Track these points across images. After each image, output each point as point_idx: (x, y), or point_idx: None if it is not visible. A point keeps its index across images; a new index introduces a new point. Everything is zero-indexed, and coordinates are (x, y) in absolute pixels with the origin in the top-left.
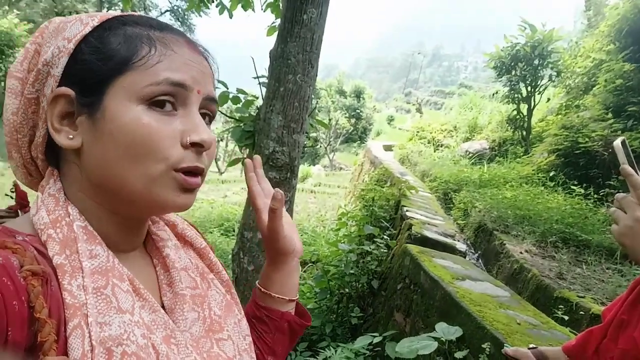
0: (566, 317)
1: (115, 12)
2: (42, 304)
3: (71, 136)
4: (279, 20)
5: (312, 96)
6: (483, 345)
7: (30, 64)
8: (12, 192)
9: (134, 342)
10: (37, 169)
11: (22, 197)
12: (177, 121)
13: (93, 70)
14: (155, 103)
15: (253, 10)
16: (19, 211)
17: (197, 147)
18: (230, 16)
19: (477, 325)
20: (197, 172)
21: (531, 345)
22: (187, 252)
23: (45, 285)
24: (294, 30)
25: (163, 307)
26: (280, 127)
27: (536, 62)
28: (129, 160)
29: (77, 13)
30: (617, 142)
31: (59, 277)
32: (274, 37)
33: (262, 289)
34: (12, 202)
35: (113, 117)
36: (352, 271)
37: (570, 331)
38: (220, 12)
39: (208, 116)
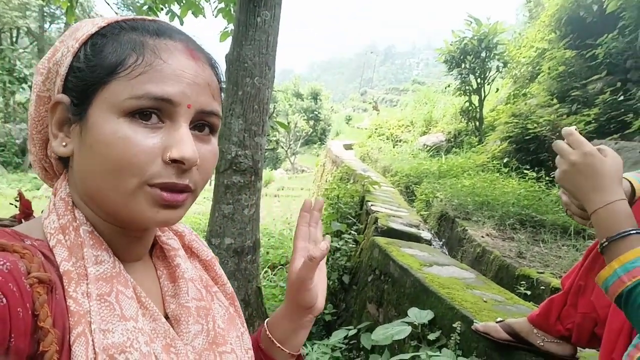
0: (529, 292)
1: (125, 16)
2: (47, 313)
3: (64, 143)
4: (231, 26)
5: (271, 99)
6: (454, 325)
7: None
8: (17, 200)
9: (137, 350)
10: (52, 167)
11: (27, 206)
12: (160, 135)
13: (83, 78)
14: (139, 115)
15: (204, 16)
16: (22, 220)
17: (178, 164)
18: (182, 23)
19: (447, 306)
20: (177, 189)
21: (498, 319)
22: (193, 263)
23: (50, 293)
24: (249, 33)
25: (167, 317)
26: (241, 130)
27: (483, 54)
28: (106, 173)
29: (18, 28)
30: (566, 128)
31: (64, 284)
32: (227, 42)
33: (267, 331)
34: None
35: (93, 129)
36: None
37: (533, 305)
38: (171, 20)
39: (207, 127)
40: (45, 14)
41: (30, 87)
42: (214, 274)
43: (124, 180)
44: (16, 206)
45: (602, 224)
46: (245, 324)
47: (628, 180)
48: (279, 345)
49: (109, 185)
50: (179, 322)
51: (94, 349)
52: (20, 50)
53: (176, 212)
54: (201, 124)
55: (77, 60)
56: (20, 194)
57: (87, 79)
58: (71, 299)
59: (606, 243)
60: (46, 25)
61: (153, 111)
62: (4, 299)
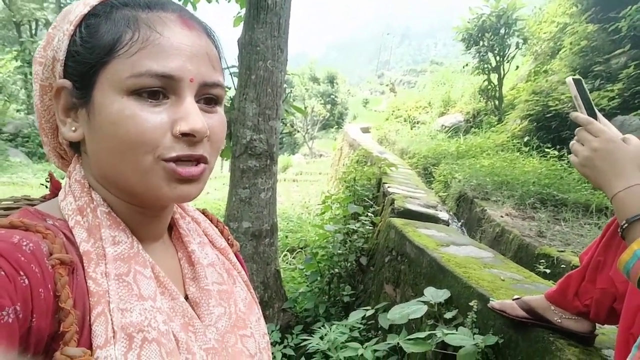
0: (548, 271)
1: None
2: (68, 294)
3: (74, 128)
4: (244, 11)
5: (285, 82)
6: (470, 304)
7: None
8: (47, 181)
9: (155, 329)
10: (66, 153)
11: (57, 187)
12: (167, 110)
13: (82, 61)
14: (144, 92)
15: (217, 1)
16: None
17: (189, 137)
18: (195, 9)
19: (463, 285)
20: (194, 160)
21: (515, 297)
22: (213, 249)
23: (71, 274)
24: (260, 16)
25: (187, 299)
26: (255, 115)
27: (502, 31)
28: (119, 153)
29: (36, 20)
30: (570, 79)
31: (84, 264)
32: (240, 28)
33: None
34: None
35: (100, 110)
36: (340, 251)
37: (552, 283)
38: (185, 4)
39: (213, 100)
40: (62, 4)
41: None
42: (230, 262)
43: (138, 157)
44: (47, 187)
45: (622, 207)
46: (260, 310)
47: None
48: None
49: (123, 164)
50: (199, 304)
51: (112, 328)
52: (40, 42)
53: (194, 186)
54: (206, 96)
55: (74, 44)
56: (50, 175)
57: (86, 61)
58: (91, 279)
59: (626, 225)
60: None
61: (157, 89)
62: (26, 280)
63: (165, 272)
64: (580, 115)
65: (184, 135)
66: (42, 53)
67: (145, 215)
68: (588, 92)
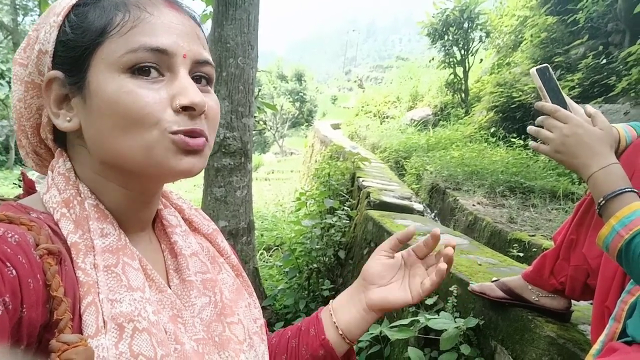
0: (521, 254)
1: None
2: (59, 283)
3: (68, 118)
4: (210, 8)
5: (256, 79)
6: (450, 289)
7: (30, 48)
8: (20, 181)
9: (145, 319)
10: (48, 151)
11: (30, 186)
12: (165, 87)
13: (74, 47)
14: (139, 71)
15: None
16: None
17: (189, 110)
18: None
19: None
20: (197, 134)
21: (494, 279)
22: (197, 237)
23: (60, 264)
24: (229, 12)
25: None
26: (228, 112)
27: (466, 25)
28: (122, 131)
29: None
30: (533, 70)
31: (72, 255)
32: (208, 25)
33: (332, 317)
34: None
35: (97, 91)
36: (317, 246)
37: (526, 266)
38: None
39: (204, 79)
40: (17, 6)
41: (8, 82)
42: (217, 247)
43: (143, 133)
44: (20, 186)
45: (598, 187)
46: (253, 295)
47: (616, 129)
48: (341, 332)
49: (128, 141)
50: (181, 296)
51: (103, 317)
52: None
53: (198, 158)
54: (198, 75)
55: (64, 34)
56: (23, 174)
57: (78, 45)
58: (80, 269)
59: (603, 202)
60: (19, 18)
61: (152, 65)
62: (14, 271)
63: (151, 264)
64: (546, 104)
65: (184, 109)
66: (23, 54)
67: (137, 201)
68: (555, 78)
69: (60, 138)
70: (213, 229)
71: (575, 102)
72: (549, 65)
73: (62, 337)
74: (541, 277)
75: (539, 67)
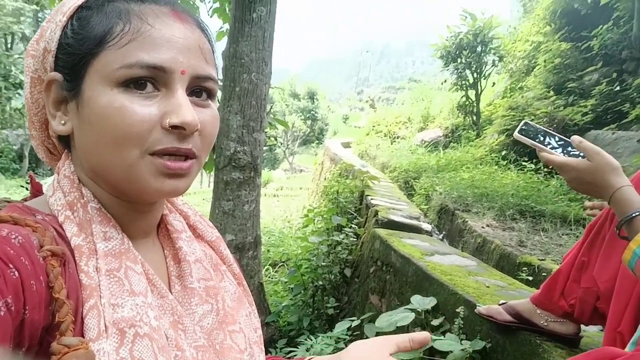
0: (530, 278)
1: None
2: (62, 285)
3: (63, 122)
4: (226, 25)
5: (268, 95)
6: (457, 310)
7: (39, 42)
8: (28, 183)
9: (146, 324)
10: (56, 148)
11: (37, 189)
12: (158, 103)
13: (72, 54)
14: (134, 84)
15: (198, 12)
16: None
17: (179, 130)
18: None
19: (449, 292)
20: (181, 155)
21: (501, 302)
22: (201, 244)
23: (63, 267)
24: (245, 29)
25: None
26: (239, 126)
27: (479, 49)
28: (106, 146)
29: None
30: (516, 134)
31: (76, 258)
32: (224, 42)
33: None
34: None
35: (89, 102)
36: (324, 263)
37: (535, 289)
38: None
39: (205, 92)
40: (39, 19)
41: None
42: (220, 254)
43: (124, 151)
44: (27, 189)
45: (616, 211)
46: (253, 304)
47: None
48: None
49: (110, 158)
50: (182, 303)
51: (105, 322)
52: (16, 56)
53: (182, 181)
54: (198, 89)
55: (65, 36)
56: (31, 176)
57: (76, 52)
58: (83, 272)
59: (621, 227)
60: None
61: (147, 80)
62: (16, 272)
63: (154, 270)
64: (544, 156)
65: (174, 128)
66: (35, 46)
67: (135, 211)
68: (537, 126)
69: (65, 138)
70: (216, 237)
71: (589, 127)
72: (526, 120)
73: (63, 339)
74: (551, 299)
75: (518, 129)
